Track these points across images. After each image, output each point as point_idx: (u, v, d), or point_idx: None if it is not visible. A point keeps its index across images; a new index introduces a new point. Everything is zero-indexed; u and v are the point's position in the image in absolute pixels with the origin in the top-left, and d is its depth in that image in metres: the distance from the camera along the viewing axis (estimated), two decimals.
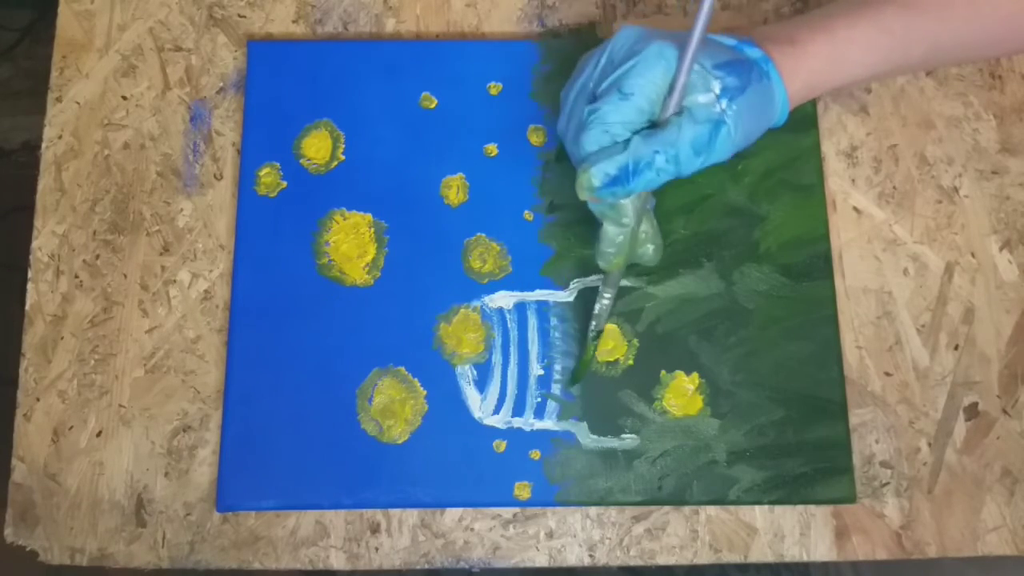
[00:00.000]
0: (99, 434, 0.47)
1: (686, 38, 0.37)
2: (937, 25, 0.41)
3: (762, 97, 0.40)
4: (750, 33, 0.43)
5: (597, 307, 0.45)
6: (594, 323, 0.45)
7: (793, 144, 0.50)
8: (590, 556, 0.46)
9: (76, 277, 0.49)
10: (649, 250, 0.44)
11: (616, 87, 0.39)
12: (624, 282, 0.48)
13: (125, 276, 0.49)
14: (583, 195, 0.39)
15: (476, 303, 0.48)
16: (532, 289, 0.48)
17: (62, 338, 0.48)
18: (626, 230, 0.41)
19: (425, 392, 0.47)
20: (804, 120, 0.50)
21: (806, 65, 0.41)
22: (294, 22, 0.53)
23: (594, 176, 0.38)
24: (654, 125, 0.39)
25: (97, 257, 0.49)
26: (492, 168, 0.50)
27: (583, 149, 0.39)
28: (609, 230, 0.41)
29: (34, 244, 0.50)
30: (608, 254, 0.42)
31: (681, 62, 0.37)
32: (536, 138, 0.50)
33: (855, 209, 0.50)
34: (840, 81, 0.43)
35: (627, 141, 0.38)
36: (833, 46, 0.41)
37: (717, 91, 0.38)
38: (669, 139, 0.38)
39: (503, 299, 0.48)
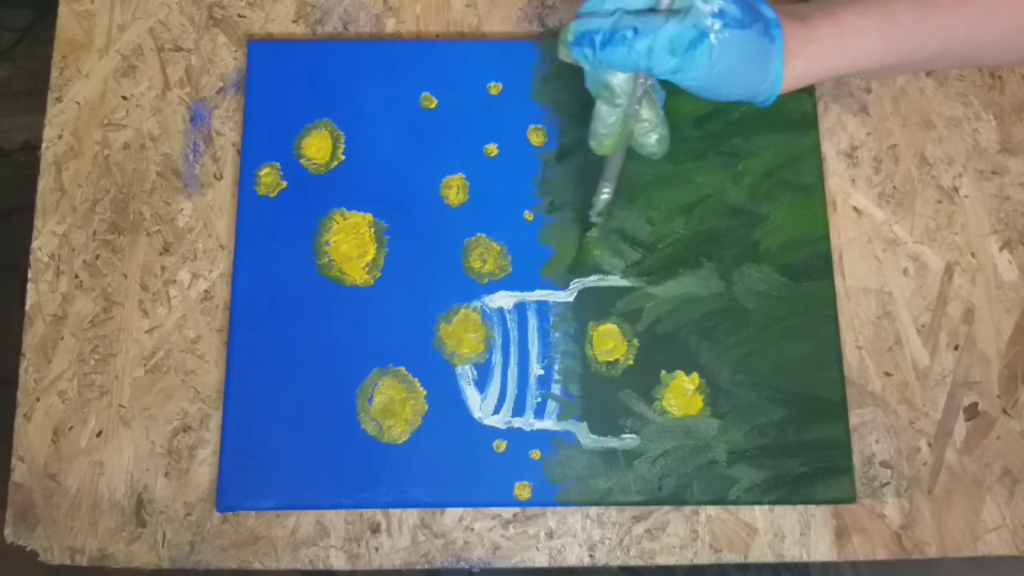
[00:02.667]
0: (99, 434, 0.47)
1: None
2: (950, 21, 0.41)
3: (758, 50, 0.40)
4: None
5: (595, 198, 0.46)
6: (591, 211, 0.47)
7: (793, 144, 0.50)
8: (590, 556, 0.46)
9: (76, 277, 0.49)
10: (652, 139, 0.44)
11: None
12: (624, 282, 0.48)
13: (125, 276, 0.49)
14: (560, 52, 0.40)
15: (476, 303, 0.48)
16: (532, 289, 0.48)
17: (62, 338, 0.48)
18: (618, 111, 0.42)
19: (425, 392, 0.47)
20: (804, 120, 0.50)
21: (810, 48, 0.41)
22: (294, 22, 0.53)
23: (571, 30, 0.39)
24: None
25: (97, 257, 0.49)
26: (492, 168, 0.50)
27: (579, 12, 0.40)
28: (601, 109, 0.42)
29: (34, 244, 0.50)
30: (600, 134, 0.43)
31: None
32: (536, 138, 0.50)
33: (855, 209, 0.50)
34: (842, 68, 0.42)
35: (616, 11, 0.39)
36: (840, 32, 0.41)
37: (716, 9, 0.38)
38: (652, 24, 0.38)
39: (503, 299, 0.48)
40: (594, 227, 0.48)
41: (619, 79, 0.41)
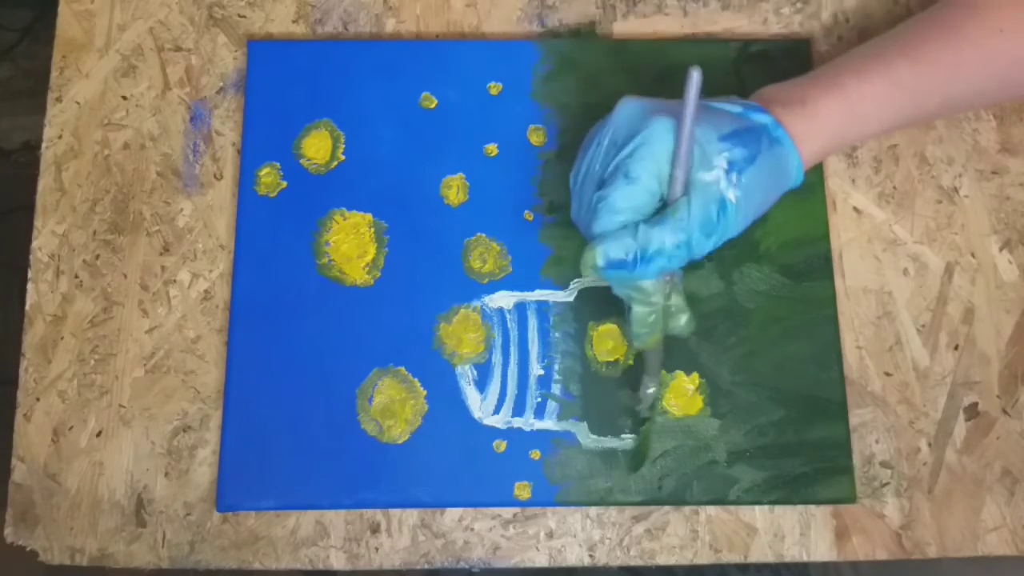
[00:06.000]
0: (99, 434, 0.47)
1: (681, 112, 0.36)
2: (950, 75, 0.41)
3: (774, 164, 0.39)
4: (757, 94, 0.42)
5: (641, 393, 0.45)
6: (640, 406, 0.45)
7: None
8: (590, 556, 0.46)
9: (76, 277, 0.49)
10: (681, 320, 0.42)
11: (622, 172, 0.38)
12: None
13: (125, 276, 0.49)
14: (586, 271, 0.39)
15: (476, 303, 0.48)
16: (532, 289, 0.48)
17: (62, 338, 0.48)
18: (656, 308, 0.40)
19: (425, 392, 0.47)
20: None
21: (819, 126, 0.40)
22: (294, 22, 0.53)
23: (597, 255, 0.38)
24: (664, 205, 0.39)
25: (97, 257, 0.49)
26: (492, 168, 0.50)
27: (594, 235, 0.39)
28: (639, 311, 0.40)
29: (34, 244, 0.50)
30: (643, 335, 0.41)
31: (678, 144, 0.37)
32: (536, 138, 0.50)
33: (855, 209, 0.50)
34: (855, 138, 0.42)
35: (637, 226, 0.38)
36: (847, 104, 0.40)
37: (724, 166, 0.38)
38: (678, 225, 0.37)
39: (503, 299, 0.48)
40: (647, 421, 0.46)
41: (650, 280, 0.39)
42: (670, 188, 0.38)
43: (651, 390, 0.45)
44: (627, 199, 0.38)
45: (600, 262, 0.38)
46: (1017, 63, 0.41)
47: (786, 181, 0.40)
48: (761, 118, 0.40)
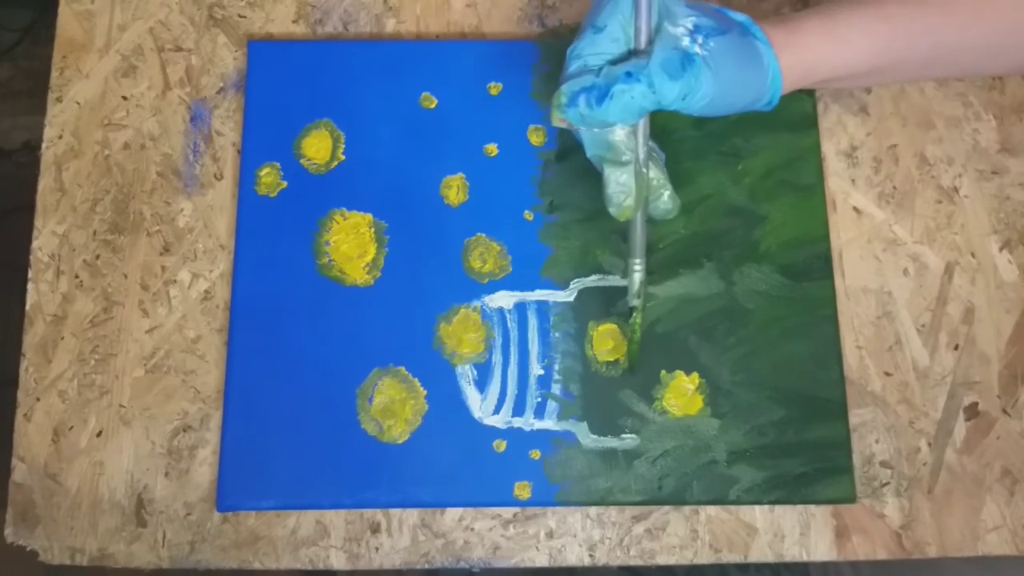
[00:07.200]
0: (99, 434, 0.47)
1: None
2: (940, 20, 0.41)
3: (746, 50, 0.40)
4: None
5: (629, 280, 0.44)
6: (628, 295, 0.44)
7: (793, 144, 0.50)
8: (590, 556, 0.46)
9: (76, 277, 0.49)
10: (664, 196, 0.43)
11: (590, 24, 0.40)
12: (624, 282, 0.48)
13: (125, 276, 0.49)
14: (554, 119, 0.40)
15: (476, 303, 0.48)
16: (532, 289, 0.48)
17: (62, 338, 0.48)
18: (628, 168, 0.41)
19: (425, 392, 0.47)
20: (804, 120, 0.50)
21: (801, 41, 0.41)
22: (294, 22, 0.53)
23: (563, 93, 0.39)
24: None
25: (97, 257, 0.49)
26: (492, 168, 0.50)
27: (564, 76, 0.40)
28: (610, 174, 0.41)
29: (34, 244, 0.50)
30: (618, 195, 0.41)
31: None
32: (536, 138, 0.50)
33: (855, 209, 0.50)
34: (839, 65, 0.42)
35: (601, 67, 0.39)
36: (832, 26, 0.41)
37: (690, 27, 0.39)
38: (641, 62, 0.38)
39: (503, 299, 0.48)
40: (636, 312, 0.44)
41: (619, 136, 0.40)
42: (636, 40, 0.39)
43: (637, 272, 0.43)
44: (593, 46, 0.39)
45: (564, 99, 0.39)
46: (1012, 28, 0.41)
47: (760, 75, 0.40)
48: (738, 16, 0.41)
